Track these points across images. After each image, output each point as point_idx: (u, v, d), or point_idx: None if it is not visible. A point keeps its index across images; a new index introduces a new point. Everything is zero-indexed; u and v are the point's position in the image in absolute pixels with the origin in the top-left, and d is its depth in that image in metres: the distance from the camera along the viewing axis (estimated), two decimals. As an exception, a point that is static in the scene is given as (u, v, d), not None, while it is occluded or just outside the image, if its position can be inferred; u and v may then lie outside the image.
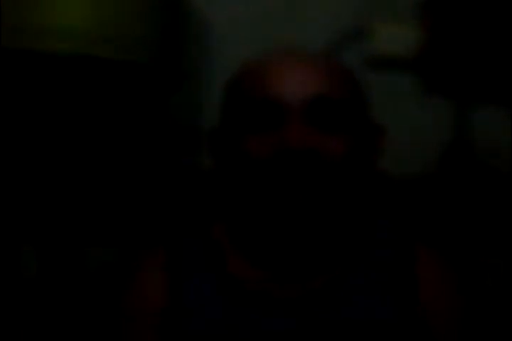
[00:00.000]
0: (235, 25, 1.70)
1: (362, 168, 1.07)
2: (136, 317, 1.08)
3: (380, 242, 1.11)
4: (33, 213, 1.63)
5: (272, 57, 1.08)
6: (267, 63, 1.07)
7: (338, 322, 1.04)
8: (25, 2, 1.41)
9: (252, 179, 1.03)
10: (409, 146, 1.65)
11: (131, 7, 1.45)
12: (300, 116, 1.01)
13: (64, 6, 1.41)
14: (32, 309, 1.59)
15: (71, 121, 1.60)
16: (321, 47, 1.64)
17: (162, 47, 1.52)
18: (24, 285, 1.60)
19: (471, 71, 1.63)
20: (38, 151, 1.63)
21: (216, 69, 1.70)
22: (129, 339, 1.08)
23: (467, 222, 1.64)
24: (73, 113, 1.59)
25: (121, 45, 1.44)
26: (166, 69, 1.55)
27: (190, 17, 1.68)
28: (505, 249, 1.62)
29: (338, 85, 1.05)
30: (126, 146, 1.69)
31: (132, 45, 1.46)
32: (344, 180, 1.04)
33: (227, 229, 1.12)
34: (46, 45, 1.41)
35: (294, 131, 1.00)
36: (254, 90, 1.04)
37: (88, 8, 1.42)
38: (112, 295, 1.12)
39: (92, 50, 1.42)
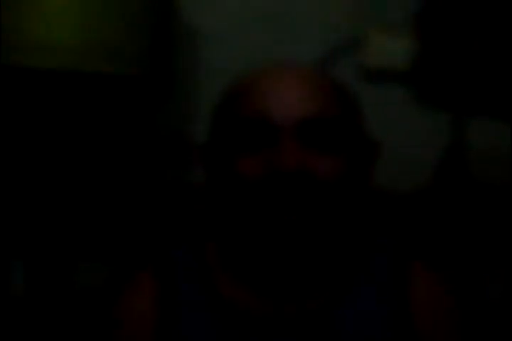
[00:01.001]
0: (225, 36, 1.69)
1: (357, 186, 1.05)
2: (125, 339, 1.06)
3: (377, 262, 1.09)
4: (21, 227, 1.62)
5: (263, 74, 1.05)
6: (258, 81, 1.04)
7: None
8: (14, 18, 1.40)
9: (243, 200, 1.00)
10: (404, 159, 1.65)
11: (119, 21, 1.45)
12: (293, 136, 0.99)
13: (52, 22, 1.41)
14: (20, 324, 1.57)
15: (60, 135, 1.58)
16: (315, 59, 1.63)
17: (151, 59, 1.51)
18: (12, 299, 1.59)
19: (466, 82, 1.62)
20: (27, 165, 1.62)
21: (206, 81, 1.69)
22: None
23: (462, 236, 1.62)
24: (62, 126, 1.58)
25: (109, 59, 1.44)
26: (155, 81, 1.54)
27: (179, 29, 1.68)
28: (502, 262, 1.61)
29: (331, 103, 1.02)
30: (114, 159, 1.68)
31: (121, 59, 1.45)
32: (339, 200, 1.01)
33: (218, 248, 1.10)
34: (35, 61, 1.41)
35: (287, 152, 0.97)
36: (245, 109, 1.01)
37: (77, 22, 1.42)
38: (101, 314, 1.10)
39: (81, 64, 1.42)
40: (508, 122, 1.63)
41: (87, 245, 1.65)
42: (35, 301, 1.58)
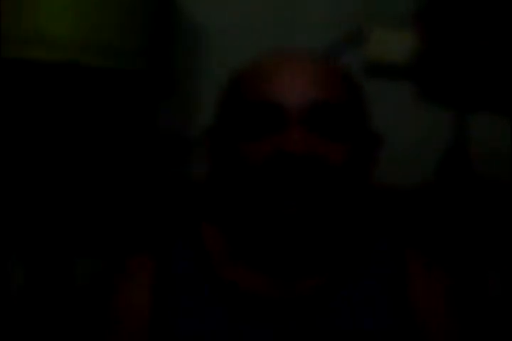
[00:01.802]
0: (226, 32, 1.68)
1: (359, 175, 1.05)
2: (122, 326, 1.05)
3: (377, 252, 1.09)
4: (20, 224, 1.61)
5: (272, 59, 1.06)
6: (267, 66, 1.04)
7: (328, 331, 1.02)
8: (14, 11, 1.40)
9: (249, 182, 1.00)
10: (405, 155, 1.64)
11: (119, 15, 1.44)
12: (300, 121, 0.99)
13: (52, 15, 1.40)
14: (19, 320, 1.57)
15: (58, 130, 1.58)
16: (318, 54, 1.62)
17: (151, 55, 1.50)
18: (12, 295, 1.58)
19: (469, 78, 1.61)
20: (25, 161, 1.61)
21: (207, 78, 1.68)
22: None
23: (464, 233, 1.62)
24: (61, 121, 1.57)
25: (109, 53, 1.43)
26: (155, 77, 1.54)
27: (180, 25, 1.67)
28: (504, 258, 1.60)
29: (339, 90, 1.03)
30: (113, 155, 1.67)
31: (121, 53, 1.45)
32: (342, 186, 1.02)
33: (219, 231, 1.10)
34: (35, 54, 1.41)
35: (294, 135, 0.98)
36: (253, 93, 1.02)
37: (76, 16, 1.41)
38: (99, 303, 1.10)
39: (81, 58, 1.41)
40: (511, 118, 1.63)
41: (86, 241, 1.65)
42: (35, 298, 1.58)
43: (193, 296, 1.04)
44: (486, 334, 1.15)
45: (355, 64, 1.63)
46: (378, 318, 1.03)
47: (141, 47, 1.47)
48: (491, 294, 1.58)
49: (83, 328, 1.13)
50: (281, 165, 0.98)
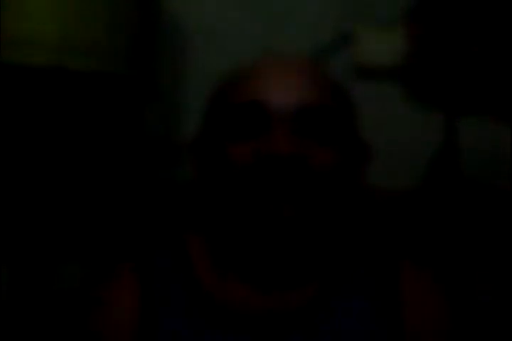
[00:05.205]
0: (213, 34, 1.68)
1: (347, 181, 1.04)
2: (103, 338, 1.03)
3: (365, 261, 1.07)
4: (4, 230, 1.60)
5: (259, 63, 1.05)
6: (255, 69, 1.04)
7: None
8: None
9: (235, 185, 0.99)
10: (394, 157, 1.63)
11: (104, 18, 1.44)
12: (287, 124, 0.98)
13: (36, 18, 1.39)
14: (3, 323, 1.55)
15: (40, 133, 1.56)
16: (306, 56, 1.62)
17: (136, 58, 1.49)
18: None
19: (458, 81, 1.61)
20: (7, 165, 1.60)
21: (192, 80, 1.67)
22: None
23: (452, 235, 1.61)
24: (45, 125, 1.56)
25: (94, 57, 1.43)
26: (141, 80, 1.53)
27: (166, 28, 1.66)
28: (493, 263, 1.60)
29: (327, 94, 1.02)
30: (98, 159, 1.66)
31: (106, 57, 1.44)
32: (330, 190, 1.00)
33: (204, 240, 1.09)
34: (17, 57, 1.40)
35: (281, 137, 0.97)
36: (239, 95, 1.01)
37: (60, 19, 1.41)
38: (80, 314, 1.08)
39: (66, 61, 1.40)
40: (500, 121, 1.62)
41: (71, 245, 1.64)
42: (19, 301, 1.57)
43: (175, 310, 1.02)
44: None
45: (344, 65, 1.64)
46: (367, 332, 1.01)
47: (123, 50, 1.47)
48: (480, 297, 1.58)
49: (66, 335, 1.12)
50: (266, 167, 0.97)
